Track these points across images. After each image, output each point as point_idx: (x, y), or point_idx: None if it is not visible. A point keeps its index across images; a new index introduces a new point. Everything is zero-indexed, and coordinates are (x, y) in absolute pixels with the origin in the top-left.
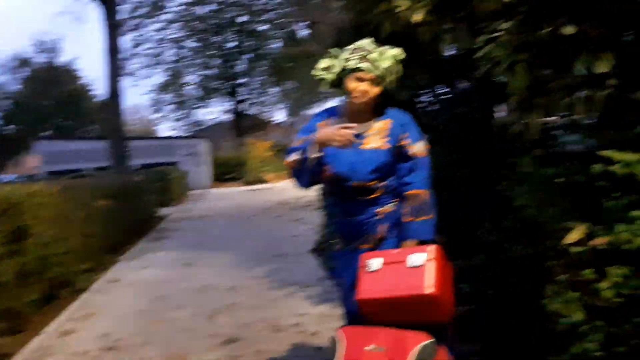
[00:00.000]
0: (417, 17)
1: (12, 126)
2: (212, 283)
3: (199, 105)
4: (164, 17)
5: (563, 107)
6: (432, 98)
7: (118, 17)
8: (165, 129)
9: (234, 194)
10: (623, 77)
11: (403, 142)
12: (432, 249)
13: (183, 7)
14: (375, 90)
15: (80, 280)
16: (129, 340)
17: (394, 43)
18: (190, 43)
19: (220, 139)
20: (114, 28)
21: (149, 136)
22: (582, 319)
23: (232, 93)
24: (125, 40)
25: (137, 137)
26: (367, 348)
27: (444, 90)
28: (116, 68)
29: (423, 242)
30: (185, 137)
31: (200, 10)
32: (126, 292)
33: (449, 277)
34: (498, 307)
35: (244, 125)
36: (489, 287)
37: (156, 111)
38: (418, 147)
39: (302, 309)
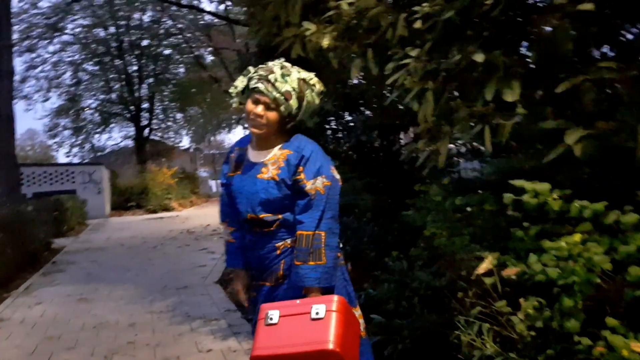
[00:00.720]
0: (326, 41)
1: None
2: (109, 320)
3: (98, 130)
4: (60, 39)
5: (471, 136)
6: (338, 125)
7: (10, 38)
8: (63, 155)
9: (136, 223)
10: (530, 106)
11: (299, 177)
12: (335, 300)
13: (81, 29)
14: (271, 115)
15: None
16: None
17: (303, 68)
18: (89, 66)
19: (121, 166)
20: (5, 49)
21: (45, 163)
22: (495, 351)
23: (134, 118)
24: (19, 62)
25: (32, 163)
26: None
27: (350, 118)
28: (7, 91)
29: (327, 291)
30: (84, 164)
31: (99, 32)
32: (13, 333)
33: (355, 333)
34: (409, 338)
35: (146, 151)
36: (398, 317)
37: (53, 136)
38: (313, 184)
39: (208, 345)
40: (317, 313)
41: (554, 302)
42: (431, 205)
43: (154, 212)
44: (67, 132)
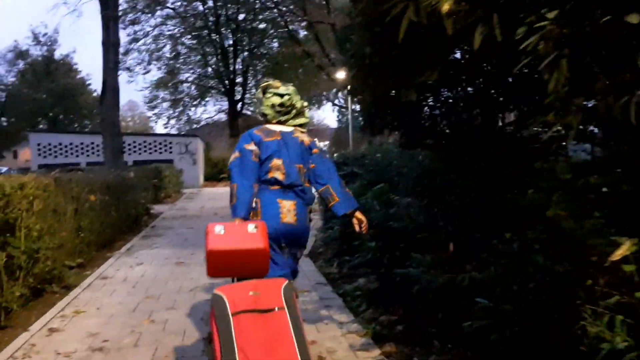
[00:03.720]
0: (446, 6)
1: (5, 119)
2: (205, 284)
3: (195, 103)
4: (161, 12)
5: (612, 110)
6: (437, 102)
7: (116, 10)
8: (161, 126)
9: (227, 194)
10: None
11: None
12: (260, 223)
13: (181, 3)
14: None
15: (69, 276)
16: (118, 341)
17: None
18: (187, 40)
19: (215, 138)
20: (111, 21)
21: (145, 133)
22: (629, 345)
23: (228, 92)
24: (123, 35)
25: (133, 133)
26: (250, 293)
27: (449, 95)
28: (113, 62)
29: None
30: (181, 135)
31: (198, 6)
32: (117, 290)
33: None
34: (518, 324)
35: (239, 125)
36: (507, 302)
37: (152, 108)
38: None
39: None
40: (253, 228)
41: None
42: (556, 185)
43: None
44: (165, 104)
